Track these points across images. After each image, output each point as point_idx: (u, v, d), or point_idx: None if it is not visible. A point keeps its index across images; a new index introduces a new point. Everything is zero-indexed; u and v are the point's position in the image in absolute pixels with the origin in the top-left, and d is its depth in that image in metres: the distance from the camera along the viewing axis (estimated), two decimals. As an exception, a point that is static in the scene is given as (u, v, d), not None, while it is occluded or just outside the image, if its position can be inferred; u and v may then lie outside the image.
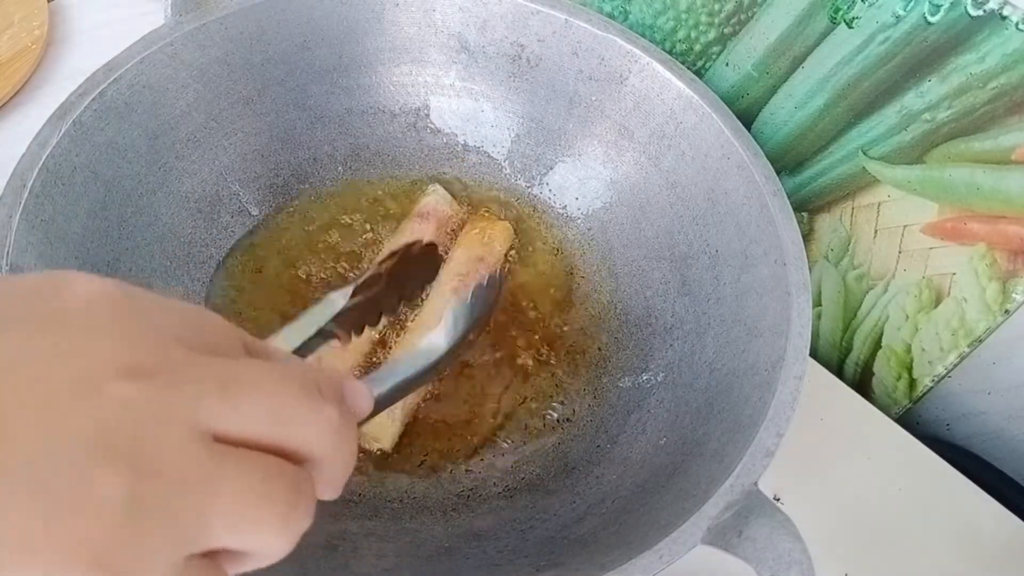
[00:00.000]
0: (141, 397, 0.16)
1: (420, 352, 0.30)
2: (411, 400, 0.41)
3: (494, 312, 0.36)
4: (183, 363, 0.17)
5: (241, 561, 0.18)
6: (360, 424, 0.22)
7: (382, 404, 0.27)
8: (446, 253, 0.46)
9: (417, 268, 0.38)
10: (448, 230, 0.47)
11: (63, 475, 0.14)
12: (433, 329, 0.31)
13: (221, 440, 0.16)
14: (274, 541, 0.17)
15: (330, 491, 0.20)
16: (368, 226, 0.48)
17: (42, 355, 0.16)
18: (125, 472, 0.15)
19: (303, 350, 0.30)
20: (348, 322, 0.32)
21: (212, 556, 0.17)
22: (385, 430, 0.40)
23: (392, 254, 0.36)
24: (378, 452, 0.40)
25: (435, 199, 0.47)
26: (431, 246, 0.36)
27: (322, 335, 0.31)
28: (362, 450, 0.40)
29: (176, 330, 0.17)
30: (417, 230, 0.46)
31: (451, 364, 0.32)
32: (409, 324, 0.43)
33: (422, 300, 0.44)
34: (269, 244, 0.46)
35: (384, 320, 0.34)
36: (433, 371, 0.30)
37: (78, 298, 0.17)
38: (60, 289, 0.17)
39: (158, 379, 0.16)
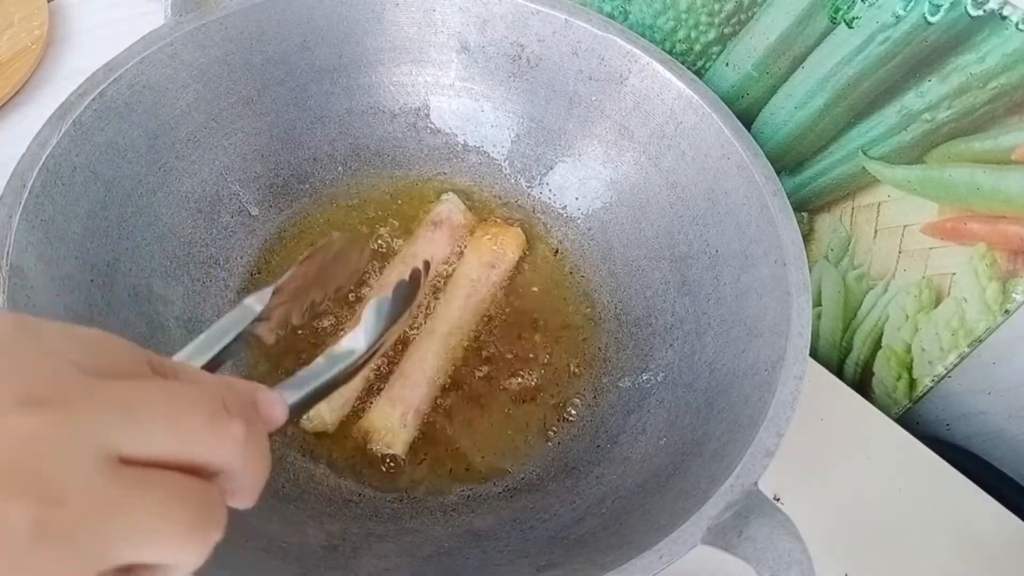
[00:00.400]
0: (42, 427, 0.16)
1: (340, 354, 0.30)
2: (423, 407, 0.41)
3: (413, 307, 0.35)
4: (83, 390, 0.17)
5: (158, 573, 0.18)
6: (278, 432, 0.23)
7: (299, 409, 0.27)
8: (451, 265, 0.46)
9: (343, 263, 0.38)
10: (459, 238, 0.47)
11: None
12: (353, 329, 0.30)
13: (127, 462, 0.17)
14: (181, 556, 0.18)
15: (243, 501, 0.20)
16: (369, 227, 0.48)
17: None
18: (30, 502, 0.15)
19: (222, 357, 0.30)
20: (273, 322, 0.32)
21: (128, 570, 0.17)
22: (397, 437, 0.40)
23: (313, 252, 0.35)
24: (390, 461, 0.40)
25: (448, 208, 0.47)
26: (346, 245, 0.37)
27: (242, 339, 0.31)
28: (366, 453, 0.40)
29: (75, 356, 0.18)
30: (428, 238, 0.46)
31: (372, 360, 0.32)
32: (420, 332, 0.43)
33: (353, 294, 0.44)
34: (271, 246, 0.46)
35: (309, 313, 0.35)
36: (354, 369, 0.30)
37: None
38: None
39: (58, 408, 0.16)
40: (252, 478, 0.20)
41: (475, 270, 0.45)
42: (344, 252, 0.38)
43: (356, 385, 0.41)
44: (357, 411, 0.41)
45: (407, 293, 0.35)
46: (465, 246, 0.47)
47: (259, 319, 0.31)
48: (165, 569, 0.18)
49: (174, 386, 0.19)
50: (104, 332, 0.19)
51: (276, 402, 0.22)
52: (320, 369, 0.29)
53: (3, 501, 0.15)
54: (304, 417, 0.40)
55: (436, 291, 0.45)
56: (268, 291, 0.32)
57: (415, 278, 0.36)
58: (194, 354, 0.29)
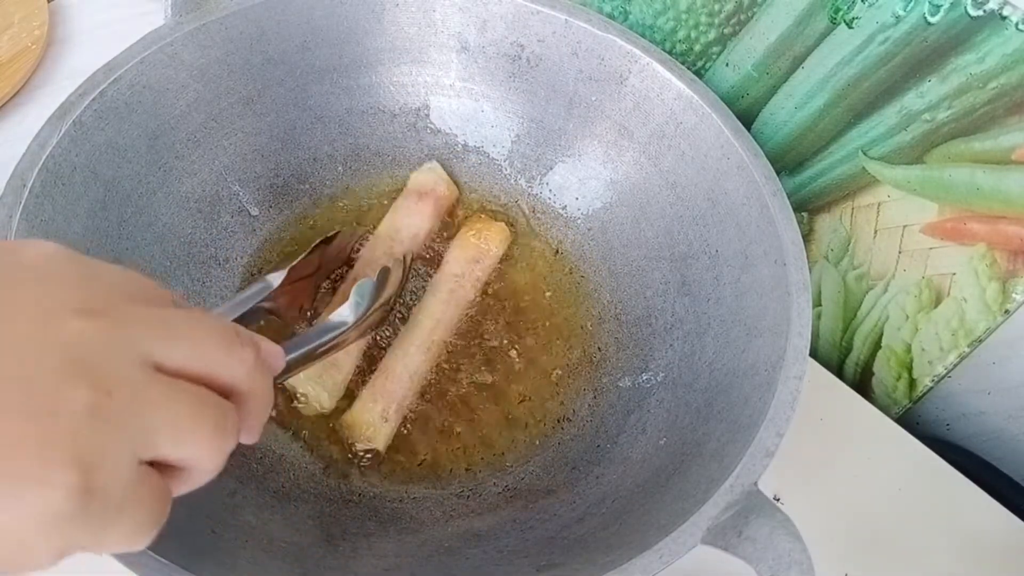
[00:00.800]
0: (95, 331, 0.19)
1: (328, 326, 0.35)
2: (406, 402, 0.41)
3: (400, 292, 0.41)
4: (126, 308, 0.20)
5: (179, 478, 0.21)
6: (277, 380, 0.27)
7: (293, 366, 0.33)
8: (436, 240, 0.47)
9: (343, 253, 0.44)
10: (441, 213, 0.47)
11: (41, 389, 0.18)
12: (343, 304, 0.36)
13: (160, 370, 0.20)
14: (206, 455, 0.21)
15: (249, 432, 0.23)
16: (369, 227, 0.48)
17: (11, 299, 0.19)
18: (86, 388, 0.18)
19: (241, 323, 0.33)
20: (284, 302, 0.38)
21: (159, 468, 0.20)
22: (378, 431, 0.40)
23: (323, 241, 0.41)
24: (369, 455, 0.40)
25: (432, 177, 0.47)
26: (335, 236, 0.42)
27: (258, 312, 0.36)
28: (363, 451, 0.40)
29: (118, 285, 0.21)
30: (414, 210, 0.46)
31: (359, 335, 0.37)
32: (403, 329, 0.43)
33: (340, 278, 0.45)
34: (271, 247, 0.46)
35: (315, 297, 0.42)
36: (340, 341, 0.35)
37: (35, 255, 0.20)
38: (17, 249, 0.20)
39: (108, 318, 0.19)
40: (258, 407, 0.23)
41: (459, 266, 0.45)
42: (348, 244, 0.43)
43: (348, 369, 0.41)
44: (351, 395, 0.41)
45: (392, 276, 0.40)
46: (444, 220, 0.48)
47: (274, 296, 0.36)
48: (188, 472, 0.21)
49: (200, 315, 0.22)
50: (138, 272, 0.22)
51: (276, 352, 0.25)
52: (312, 335, 0.34)
53: (67, 385, 0.18)
54: (302, 403, 0.41)
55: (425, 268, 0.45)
56: (284, 271, 0.36)
57: (399, 266, 0.41)
58: (225, 314, 0.34)
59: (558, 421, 0.42)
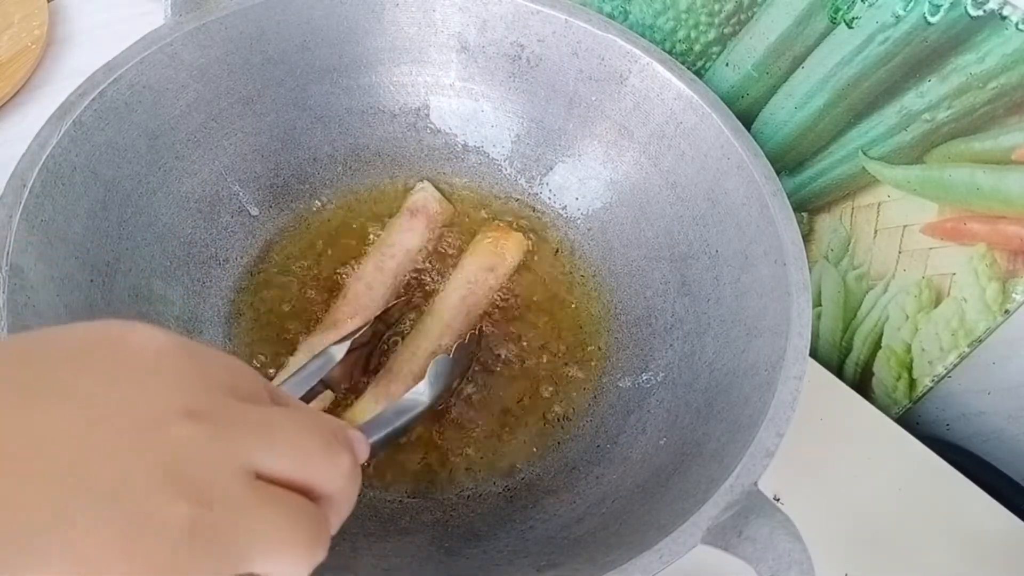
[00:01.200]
0: (199, 437, 0.18)
1: (404, 406, 0.34)
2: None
3: (472, 364, 0.41)
4: (230, 410, 0.19)
5: None
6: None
7: (376, 451, 0.32)
8: (430, 255, 0.47)
9: (399, 318, 0.43)
10: (436, 227, 0.47)
11: (135, 500, 0.17)
12: (418, 384, 0.35)
13: (260, 478, 0.19)
14: (297, 568, 0.20)
15: (335, 529, 0.22)
16: (369, 227, 0.48)
17: (116, 397, 0.18)
18: (186, 502, 0.17)
19: (305, 398, 0.35)
20: (337, 373, 0.37)
21: None
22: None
23: (386, 311, 0.41)
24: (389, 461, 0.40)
25: (424, 196, 0.48)
26: (392, 308, 0.42)
27: (321, 384, 0.36)
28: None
29: (221, 379, 0.20)
30: (406, 226, 0.46)
31: (433, 410, 0.37)
32: (411, 332, 0.43)
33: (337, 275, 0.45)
34: (272, 248, 0.46)
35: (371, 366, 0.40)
36: (418, 420, 0.34)
37: (143, 348, 0.19)
38: (126, 339, 0.19)
39: (212, 423, 0.18)
40: (343, 509, 0.22)
41: (473, 273, 0.45)
42: (402, 313, 0.44)
43: (360, 417, 0.41)
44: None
45: (467, 351, 0.40)
46: (439, 237, 0.48)
47: (335, 368, 0.36)
48: None
49: (297, 416, 0.21)
50: (236, 359, 0.21)
51: (363, 442, 0.24)
52: (390, 417, 0.33)
53: (167, 499, 0.17)
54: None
55: (424, 288, 0.45)
56: (346, 344, 0.37)
57: (473, 340, 0.40)
58: (292, 389, 0.34)
59: (558, 421, 0.42)
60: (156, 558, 0.17)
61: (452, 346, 0.38)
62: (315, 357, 0.36)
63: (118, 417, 0.18)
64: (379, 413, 0.33)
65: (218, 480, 0.18)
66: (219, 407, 0.19)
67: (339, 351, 0.36)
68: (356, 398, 0.41)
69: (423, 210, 0.47)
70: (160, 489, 0.17)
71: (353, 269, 0.46)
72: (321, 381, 0.36)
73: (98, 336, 0.19)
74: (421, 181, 0.49)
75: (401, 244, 0.46)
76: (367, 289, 0.44)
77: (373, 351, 0.42)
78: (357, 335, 0.38)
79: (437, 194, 0.48)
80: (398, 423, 0.33)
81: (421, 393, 0.35)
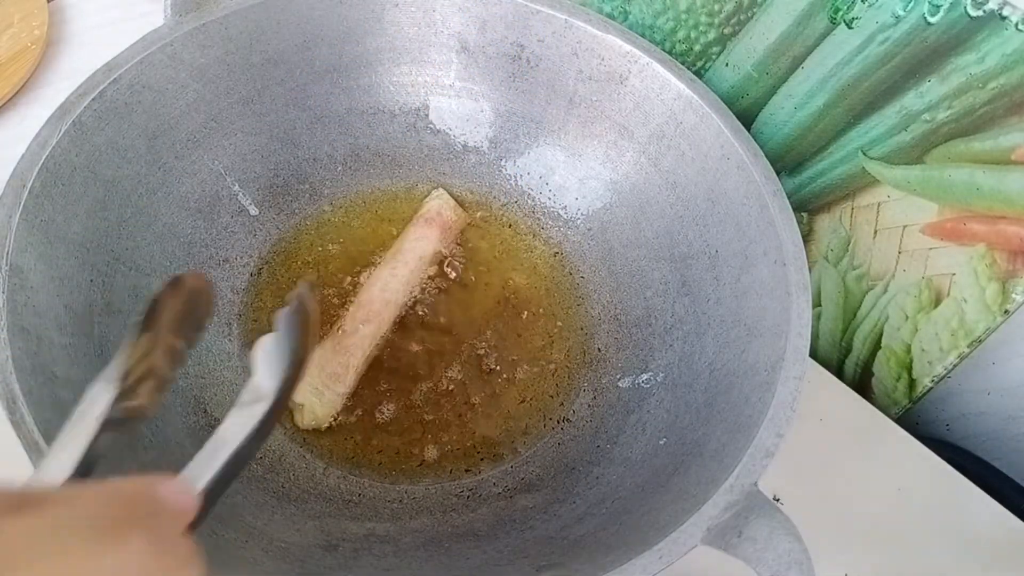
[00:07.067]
0: None
1: (244, 410, 0.25)
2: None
3: (312, 339, 0.29)
4: None
5: None
6: (198, 520, 0.20)
7: (217, 489, 0.23)
8: (449, 259, 0.47)
9: (187, 307, 0.29)
10: (450, 235, 0.47)
11: None
12: (250, 380, 0.26)
13: None
14: None
15: None
16: (368, 226, 0.48)
17: None
18: None
19: (92, 456, 0.24)
20: (142, 390, 0.26)
21: None
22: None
23: (151, 311, 0.27)
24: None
25: (439, 204, 0.48)
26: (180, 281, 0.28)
27: (112, 427, 0.25)
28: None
29: None
30: (420, 235, 0.46)
31: (284, 409, 0.26)
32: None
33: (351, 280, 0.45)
34: (273, 249, 0.46)
35: (178, 359, 0.27)
36: (268, 425, 0.25)
37: None
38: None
39: None
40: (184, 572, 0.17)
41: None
42: (192, 295, 0.29)
43: (350, 383, 0.41)
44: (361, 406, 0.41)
45: (299, 320, 0.28)
46: (455, 244, 0.48)
47: (123, 395, 0.25)
48: None
49: (43, 523, 0.16)
50: None
51: (180, 491, 0.19)
52: (227, 435, 0.24)
53: None
54: (297, 415, 0.40)
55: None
56: (112, 369, 0.25)
57: (301, 306, 0.28)
58: (55, 467, 0.23)
59: (558, 421, 0.42)
60: None
61: (276, 319, 0.27)
62: (77, 406, 0.25)
63: None
64: (209, 439, 0.24)
65: None
66: None
67: (104, 386, 0.25)
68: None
69: (437, 218, 0.47)
70: None
71: (355, 269, 0.46)
72: (112, 421, 0.24)
73: None
74: (436, 188, 0.49)
75: (414, 252, 0.46)
76: (381, 294, 0.44)
77: (166, 339, 0.27)
78: (123, 357, 0.25)
79: (452, 202, 0.48)
80: (237, 444, 0.24)
81: (261, 387, 0.25)
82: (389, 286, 0.44)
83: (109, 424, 0.24)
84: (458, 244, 0.48)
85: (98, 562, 0.15)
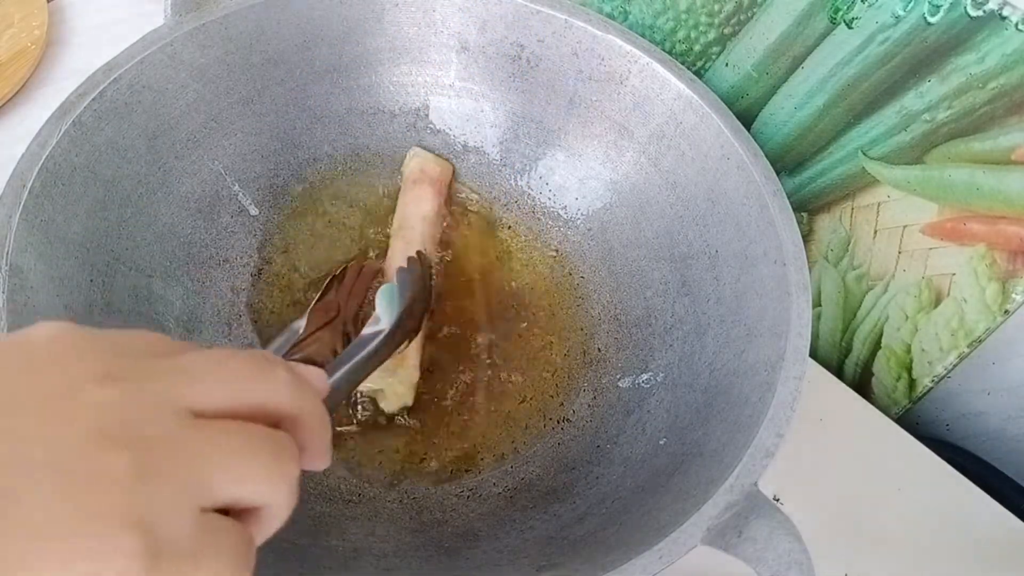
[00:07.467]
0: (120, 394, 0.18)
1: (364, 339, 0.33)
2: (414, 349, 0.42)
3: (431, 288, 0.40)
4: (144, 365, 0.19)
5: (257, 519, 0.20)
6: (332, 404, 0.25)
7: (341, 387, 0.30)
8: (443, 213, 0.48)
9: (359, 288, 0.42)
10: (443, 187, 0.48)
11: (74, 462, 0.17)
12: (372, 315, 0.35)
13: (200, 416, 0.19)
14: (269, 488, 0.20)
15: (315, 455, 0.22)
16: (368, 226, 0.48)
17: (26, 382, 0.18)
18: (124, 451, 0.17)
19: None
20: (315, 350, 0.36)
21: (232, 515, 0.20)
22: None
23: (333, 278, 0.40)
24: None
25: (419, 162, 0.48)
26: (345, 272, 0.40)
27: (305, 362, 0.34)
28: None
29: (130, 346, 0.20)
30: (414, 197, 0.46)
31: (400, 342, 0.36)
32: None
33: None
34: (273, 245, 0.46)
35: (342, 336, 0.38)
36: (383, 350, 0.33)
37: (43, 337, 0.19)
38: (27, 334, 0.19)
39: (128, 379, 0.19)
40: (314, 426, 0.22)
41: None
42: (362, 276, 0.42)
43: (415, 358, 0.42)
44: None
45: (412, 275, 0.39)
46: (448, 196, 0.49)
47: (303, 346, 0.35)
48: (262, 511, 0.20)
49: (219, 351, 0.21)
50: (141, 329, 0.21)
51: (316, 373, 0.24)
52: (351, 351, 0.32)
53: (103, 453, 0.17)
54: (382, 403, 0.41)
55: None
56: (305, 316, 0.36)
57: (414, 263, 0.40)
58: None
59: (558, 421, 0.42)
60: (115, 508, 0.17)
61: (394, 274, 0.38)
62: (278, 335, 0.36)
63: (35, 399, 0.18)
64: (340, 354, 0.32)
65: (152, 425, 0.18)
66: (132, 366, 0.19)
67: (300, 324, 0.36)
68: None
69: (423, 175, 0.47)
70: (94, 446, 0.17)
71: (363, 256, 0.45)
72: (304, 359, 0.35)
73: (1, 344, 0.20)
74: (411, 148, 0.49)
75: (417, 215, 0.46)
76: (403, 262, 0.44)
77: (345, 318, 0.40)
78: (313, 305, 0.37)
79: (430, 155, 0.48)
80: (358, 356, 0.32)
81: (377, 322, 0.34)
82: (407, 254, 0.44)
83: (304, 360, 0.34)
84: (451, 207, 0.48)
85: (255, 378, 0.20)
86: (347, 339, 0.38)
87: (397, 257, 0.44)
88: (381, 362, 0.33)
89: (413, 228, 0.45)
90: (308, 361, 0.36)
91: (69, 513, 0.16)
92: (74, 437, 0.17)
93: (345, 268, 0.41)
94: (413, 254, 0.43)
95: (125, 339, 0.20)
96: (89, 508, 0.17)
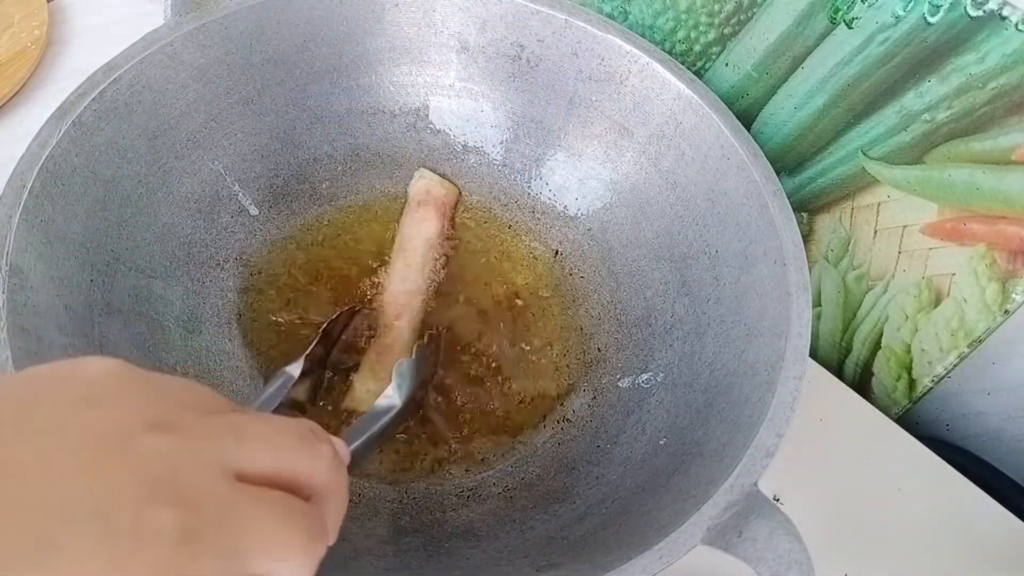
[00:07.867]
0: (171, 446, 0.18)
1: (377, 412, 0.34)
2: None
3: (438, 364, 0.42)
4: (196, 419, 0.19)
5: None
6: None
7: (357, 458, 0.31)
8: (448, 237, 0.48)
9: (354, 335, 0.43)
10: (447, 210, 0.48)
11: (120, 514, 0.16)
12: (386, 389, 0.36)
13: (243, 478, 0.19)
14: (302, 565, 0.19)
15: (331, 534, 0.22)
16: (368, 227, 0.48)
17: (77, 419, 0.18)
18: (173, 507, 0.17)
19: None
20: (303, 391, 0.38)
21: None
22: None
23: (332, 322, 0.40)
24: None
25: (426, 183, 0.48)
26: (339, 317, 0.41)
27: (284, 404, 0.35)
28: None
29: (181, 397, 0.20)
30: (419, 218, 0.47)
31: (410, 413, 0.38)
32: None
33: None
34: (272, 251, 0.46)
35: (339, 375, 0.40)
36: (394, 425, 0.35)
37: (93, 375, 0.19)
38: (77, 366, 0.19)
39: (179, 432, 0.18)
40: (338, 505, 0.22)
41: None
42: (359, 319, 0.43)
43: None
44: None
45: (429, 352, 0.40)
46: (452, 219, 0.49)
47: (294, 389, 0.36)
48: None
49: (268, 417, 0.21)
50: (194, 381, 0.21)
51: (343, 444, 0.24)
52: (366, 423, 0.33)
53: (151, 507, 0.17)
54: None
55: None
56: (300, 360, 0.36)
57: (434, 339, 0.41)
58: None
59: (558, 421, 0.42)
60: (156, 567, 0.16)
61: (412, 348, 0.39)
62: (272, 379, 0.36)
63: (86, 440, 0.17)
64: (352, 424, 0.33)
65: (200, 483, 0.18)
66: (184, 418, 0.19)
67: (295, 368, 0.36)
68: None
69: (429, 197, 0.47)
70: (143, 499, 0.17)
71: (367, 269, 0.46)
72: (285, 405, 0.35)
73: (47, 372, 0.19)
74: (417, 169, 0.49)
75: (420, 236, 0.46)
76: (402, 285, 0.44)
77: (326, 365, 0.41)
78: (309, 351, 0.37)
79: (436, 177, 0.49)
80: (373, 429, 0.33)
81: (390, 397, 0.35)
82: (408, 277, 0.44)
83: (283, 403, 0.34)
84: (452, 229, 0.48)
85: (301, 450, 0.20)
86: (323, 381, 0.40)
87: (396, 278, 0.45)
88: (388, 440, 0.35)
89: (415, 249, 0.46)
90: (297, 407, 0.38)
91: (107, 568, 0.16)
92: (123, 486, 0.17)
93: (340, 314, 0.41)
94: (434, 330, 0.43)
95: (176, 385, 0.20)
96: (129, 566, 0.16)
